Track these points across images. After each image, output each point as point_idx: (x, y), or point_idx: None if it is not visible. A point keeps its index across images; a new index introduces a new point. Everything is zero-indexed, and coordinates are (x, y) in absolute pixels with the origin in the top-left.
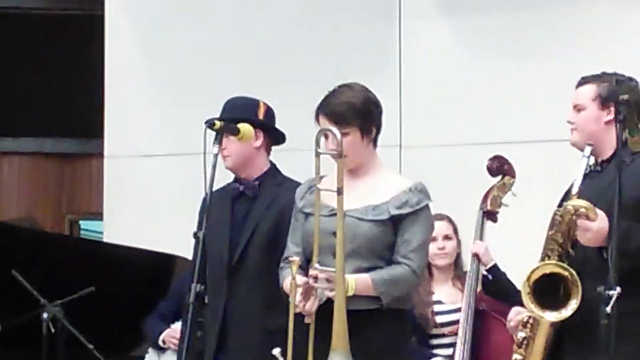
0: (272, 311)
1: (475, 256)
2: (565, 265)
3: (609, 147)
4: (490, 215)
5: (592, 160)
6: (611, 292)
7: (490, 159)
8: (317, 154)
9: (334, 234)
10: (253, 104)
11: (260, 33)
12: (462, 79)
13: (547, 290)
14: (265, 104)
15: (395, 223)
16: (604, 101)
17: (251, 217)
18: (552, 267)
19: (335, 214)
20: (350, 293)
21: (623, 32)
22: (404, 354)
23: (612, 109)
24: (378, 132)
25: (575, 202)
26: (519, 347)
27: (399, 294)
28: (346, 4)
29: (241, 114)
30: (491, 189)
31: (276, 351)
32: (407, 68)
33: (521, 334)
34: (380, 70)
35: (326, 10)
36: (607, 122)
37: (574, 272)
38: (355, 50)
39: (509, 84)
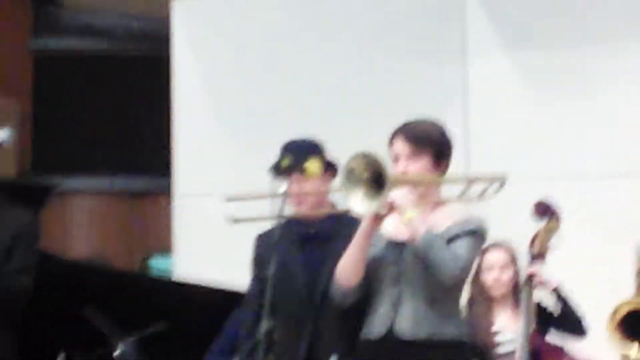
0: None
1: (530, 277)
2: None
3: None
4: (538, 257)
5: None
6: None
7: (535, 204)
8: None
9: (393, 263)
10: (317, 144)
11: (326, 73)
12: (528, 115)
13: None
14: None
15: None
16: None
17: (330, 260)
18: (637, 303)
19: (392, 245)
20: (407, 216)
21: None
22: None
23: None
24: (447, 168)
25: None
26: None
27: (430, 260)
28: (411, 41)
29: (307, 155)
30: (538, 232)
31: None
32: (473, 104)
33: None
34: (445, 107)
35: (391, 47)
36: None
37: None
38: (420, 87)
39: (576, 119)
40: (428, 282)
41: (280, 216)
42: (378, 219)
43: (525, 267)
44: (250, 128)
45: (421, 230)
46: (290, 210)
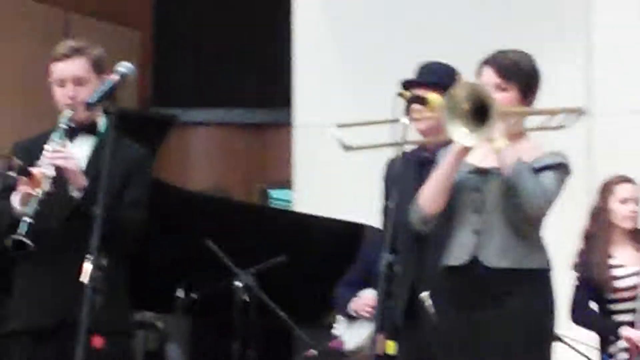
0: None
1: None
2: None
3: None
4: None
5: None
6: None
7: None
8: None
9: (476, 190)
10: (451, 71)
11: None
12: None
13: None
14: (459, 73)
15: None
16: None
17: None
18: None
19: (476, 172)
20: (497, 145)
21: None
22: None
23: None
24: (533, 101)
25: None
26: None
27: (519, 190)
28: None
29: (439, 80)
30: None
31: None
32: (597, 39)
33: None
34: (569, 37)
35: None
36: None
37: None
38: (545, 16)
39: None
40: (514, 211)
41: (397, 144)
42: (468, 148)
43: None
44: (370, 58)
45: (511, 159)
46: (411, 137)
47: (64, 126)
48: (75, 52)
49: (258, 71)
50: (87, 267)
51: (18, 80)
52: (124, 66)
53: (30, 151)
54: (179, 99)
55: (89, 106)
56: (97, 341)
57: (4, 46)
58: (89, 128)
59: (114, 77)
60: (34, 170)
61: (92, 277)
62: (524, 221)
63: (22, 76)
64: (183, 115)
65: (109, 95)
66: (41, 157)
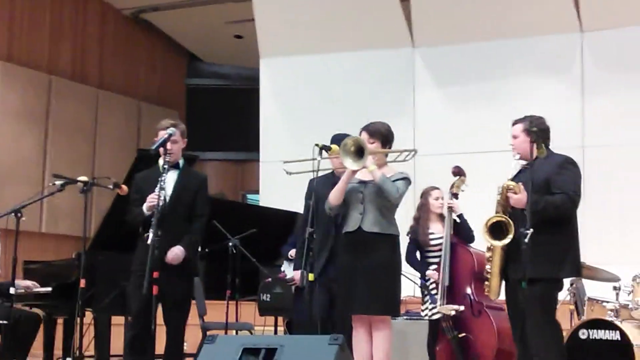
0: None
1: (450, 208)
2: (505, 216)
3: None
4: (454, 196)
5: (523, 162)
6: (527, 231)
7: (453, 167)
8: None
9: (360, 191)
10: (342, 138)
11: (352, 112)
12: (454, 120)
13: (497, 230)
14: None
15: None
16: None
17: None
18: (498, 217)
19: (360, 182)
20: (371, 168)
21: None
22: (397, 262)
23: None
24: (390, 147)
25: (507, 182)
26: (488, 261)
27: (384, 189)
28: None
29: (334, 143)
30: (454, 182)
31: None
32: (418, 119)
33: (488, 254)
34: (400, 118)
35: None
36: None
37: (510, 220)
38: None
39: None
40: (381, 202)
41: (312, 171)
42: (355, 170)
43: (446, 200)
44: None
45: (379, 175)
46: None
47: (165, 166)
48: (173, 125)
49: (243, 133)
50: (149, 237)
51: None
52: (170, 130)
53: (145, 180)
54: (200, 146)
55: (154, 150)
56: (155, 274)
57: None
58: (175, 165)
59: (164, 135)
60: (150, 196)
61: (153, 242)
62: (387, 206)
63: None
64: (202, 155)
65: (162, 144)
66: (156, 190)
